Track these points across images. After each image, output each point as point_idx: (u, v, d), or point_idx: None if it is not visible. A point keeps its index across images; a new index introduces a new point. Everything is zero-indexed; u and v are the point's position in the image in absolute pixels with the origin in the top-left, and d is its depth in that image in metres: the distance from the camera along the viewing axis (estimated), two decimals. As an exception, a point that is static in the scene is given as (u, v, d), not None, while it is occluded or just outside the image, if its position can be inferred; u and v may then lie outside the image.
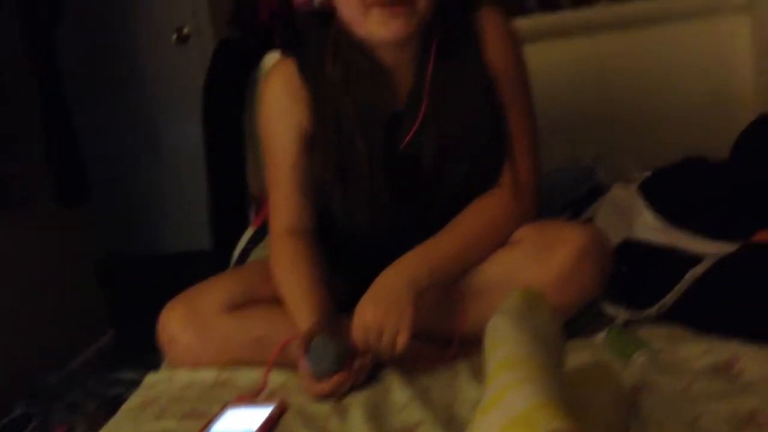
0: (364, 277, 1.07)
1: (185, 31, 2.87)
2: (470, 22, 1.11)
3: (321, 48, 1.10)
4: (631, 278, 1.10)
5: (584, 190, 1.52)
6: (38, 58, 2.13)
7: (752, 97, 1.65)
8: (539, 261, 1.02)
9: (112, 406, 1.35)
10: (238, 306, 1.09)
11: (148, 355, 1.33)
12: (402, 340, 0.98)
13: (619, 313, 1.06)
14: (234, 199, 2.03)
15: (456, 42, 1.09)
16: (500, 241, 1.08)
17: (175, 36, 2.87)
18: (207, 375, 1.07)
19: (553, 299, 0.91)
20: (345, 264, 1.18)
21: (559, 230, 1.06)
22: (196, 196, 2.33)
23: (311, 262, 1.10)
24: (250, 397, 1.00)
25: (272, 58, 1.87)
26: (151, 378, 1.12)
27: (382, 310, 0.98)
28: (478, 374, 0.90)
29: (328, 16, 1.08)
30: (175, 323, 1.09)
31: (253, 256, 1.57)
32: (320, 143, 1.10)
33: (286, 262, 1.10)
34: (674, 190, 1.34)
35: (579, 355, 0.95)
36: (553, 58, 1.72)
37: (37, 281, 2.08)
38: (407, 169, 1.10)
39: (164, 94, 2.92)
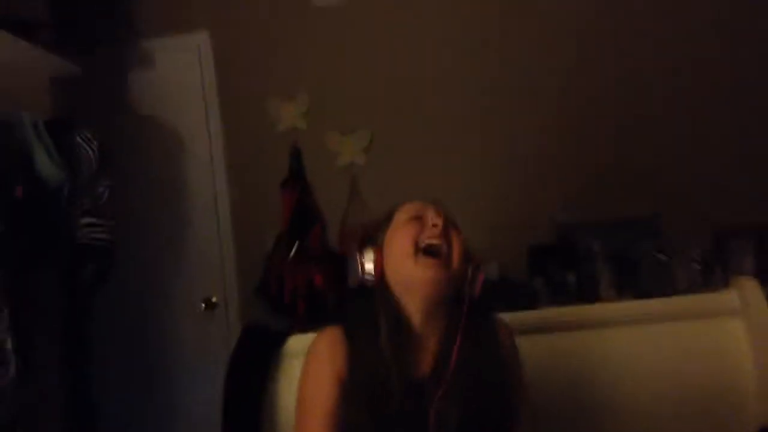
0: None
1: (213, 299, 3.04)
2: (489, 315, 1.41)
3: (365, 315, 1.36)
4: None
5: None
6: (72, 323, 2.26)
7: (755, 399, 1.70)
8: None
9: None
10: None
11: None
12: None
13: None
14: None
15: (478, 326, 1.36)
16: None
17: (203, 305, 3.03)
18: None
19: None
20: None
21: None
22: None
23: None
24: None
25: (297, 339, 1.99)
26: None
27: None
28: None
29: (372, 291, 1.37)
30: None
31: None
32: (355, 395, 1.28)
33: None
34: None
35: None
36: (559, 350, 1.83)
37: None
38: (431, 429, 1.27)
39: (187, 361, 3.01)
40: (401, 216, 1.40)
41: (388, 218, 1.42)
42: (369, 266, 1.38)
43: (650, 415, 1.74)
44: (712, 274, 2.59)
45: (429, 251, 1.33)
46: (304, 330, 2.06)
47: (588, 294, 2.67)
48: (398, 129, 3.14)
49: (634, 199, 2.97)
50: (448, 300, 1.35)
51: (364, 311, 1.37)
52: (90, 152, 2.28)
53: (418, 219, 1.37)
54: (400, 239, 1.36)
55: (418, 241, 1.34)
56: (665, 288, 2.48)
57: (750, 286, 1.79)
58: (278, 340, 2.09)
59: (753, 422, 1.53)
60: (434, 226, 1.35)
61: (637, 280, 2.69)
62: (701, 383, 1.75)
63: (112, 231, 2.34)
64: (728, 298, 1.81)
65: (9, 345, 1.85)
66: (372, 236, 1.42)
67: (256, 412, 2.04)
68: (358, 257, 1.39)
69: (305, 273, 2.93)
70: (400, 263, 1.34)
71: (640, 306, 1.92)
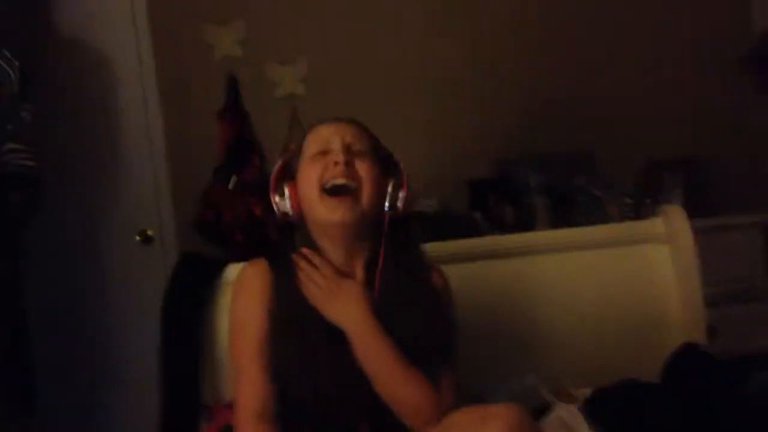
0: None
1: (149, 233, 2.98)
2: (419, 254, 1.37)
3: (286, 251, 1.35)
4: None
5: (529, 408, 1.59)
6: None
7: (678, 320, 1.78)
8: None
9: None
10: None
11: None
12: None
13: None
14: (186, 409, 2.02)
15: (403, 253, 1.34)
16: (412, 403, 1.22)
17: (138, 238, 2.97)
18: None
19: None
20: None
21: (489, 409, 1.17)
22: (148, 407, 2.31)
23: None
24: None
25: (234, 268, 1.97)
26: None
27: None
28: None
29: (295, 227, 1.36)
30: None
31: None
32: (282, 328, 1.27)
33: None
34: (615, 412, 1.43)
35: None
36: (493, 277, 1.87)
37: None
38: (353, 364, 1.25)
39: (124, 298, 2.94)
40: (308, 149, 1.34)
41: (300, 149, 1.37)
42: (283, 202, 1.34)
43: (580, 338, 1.80)
44: (643, 208, 2.68)
45: (334, 191, 1.28)
46: (241, 259, 2.03)
47: (525, 227, 2.73)
48: (337, 59, 3.07)
49: (571, 134, 3.02)
50: (371, 229, 1.32)
51: (287, 245, 1.36)
52: (11, 74, 2.15)
53: (324, 153, 1.31)
54: (305, 179, 1.32)
55: (322, 180, 1.29)
56: (598, 221, 2.56)
57: (676, 213, 1.85)
58: (215, 269, 2.07)
59: (676, 342, 1.61)
60: (336, 164, 1.28)
61: (572, 214, 2.76)
62: (629, 306, 1.83)
63: (38, 158, 2.23)
64: (655, 225, 1.87)
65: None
66: (287, 169, 1.38)
67: (194, 342, 2.02)
68: (272, 193, 1.36)
69: (243, 204, 2.89)
70: (308, 203, 1.31)
71: (572, 233, 1.97)
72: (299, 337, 1.26)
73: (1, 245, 2.16)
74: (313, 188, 1.29)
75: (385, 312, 1.26)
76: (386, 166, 1.35)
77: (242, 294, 1.33)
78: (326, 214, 1.28)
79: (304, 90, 3.06)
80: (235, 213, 2.88)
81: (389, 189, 1.33)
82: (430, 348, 1.27)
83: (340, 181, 1.27)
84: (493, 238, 2.05)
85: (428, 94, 3.07)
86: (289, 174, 1.36)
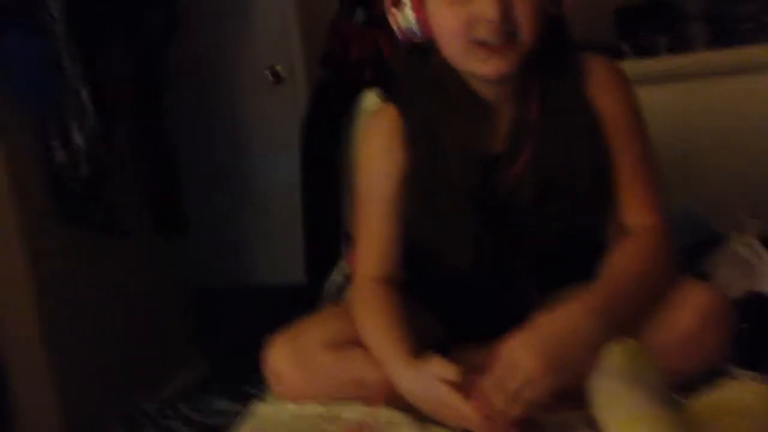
0: (461, 317, 1.11)
1: (278, 69, 2.98)
2: (574, 63, 1.11)
3: (420, 84, 1.12)
4: (754, 337, 1.06)
5: (697, 239, 1.49)
6: (145, 93, 2.22)
7: None
8: (662, 323, 1.00)
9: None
10: (339, 345, 1.10)
11: (241, 386, 1.37)
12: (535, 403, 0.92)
13: (742, 376, 1.01)
14: (328, 236, 2.06)
15: (559, 82, 1.10)
16: (658, 286, 1.02)
17: (269, 76, 2.97)
18: (314, 409, 1.10)
19: (675, 363, 0.94)
20: (442, 304, 1.19)
21: (682, 291, 1.02)
22: (290, 232, 2.39)
23: (395, 310, 1.10)
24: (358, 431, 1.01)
25: (368, 96, 1.92)
26: (258, 408, 1.15)
27: (543, 365, 0.91)
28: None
29: (428, 50, 1.09)
30: (282, 361, 1.12)
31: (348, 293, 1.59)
32: (415, 180, 1.12)
33: (369, 309, 1.11)
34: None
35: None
36: (662, 101, 1.70)
37: (132, 308, 2.15)
38: (505, 209, 1.10)
39: (259, 132, 3.02)
40: None
41: None
42: (404, 16, 1.06)
43: (748, 167, 1.65)
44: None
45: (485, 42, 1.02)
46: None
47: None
48: None
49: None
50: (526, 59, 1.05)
51: (419, 78, 1.13)
52: None
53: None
54: (441, 23, 1.04)
55: (469, 33, 1.01)
56: None
57: None
58: (349, 96, 2.02)
59: None
60: (488, 21, 0.99)
61: (737, 43, 2.48)
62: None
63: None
64: None
65: (85, 95, 1.79)
66: None
67: (334, 169, 2.03)
68: (388, 4, 1.08)
69: (372, 40, 2.79)
70: (452, 51, 1.06)
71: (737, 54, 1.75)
72: (437, 193, 1.10)
73: (143, 66, 2.19)
74: (456, 37, 1.03)
75: (541, 151, 1.08)
76: None
77: (370, 150, 1.16)
78: (477, 68, 1.04)
79: None
80: (362, 48, 2.79)
81: None
82: (596, 180, 1.09)
83: (495, 41, 1.01)
84: (647, 60, 1.86)
85: None
86: None
